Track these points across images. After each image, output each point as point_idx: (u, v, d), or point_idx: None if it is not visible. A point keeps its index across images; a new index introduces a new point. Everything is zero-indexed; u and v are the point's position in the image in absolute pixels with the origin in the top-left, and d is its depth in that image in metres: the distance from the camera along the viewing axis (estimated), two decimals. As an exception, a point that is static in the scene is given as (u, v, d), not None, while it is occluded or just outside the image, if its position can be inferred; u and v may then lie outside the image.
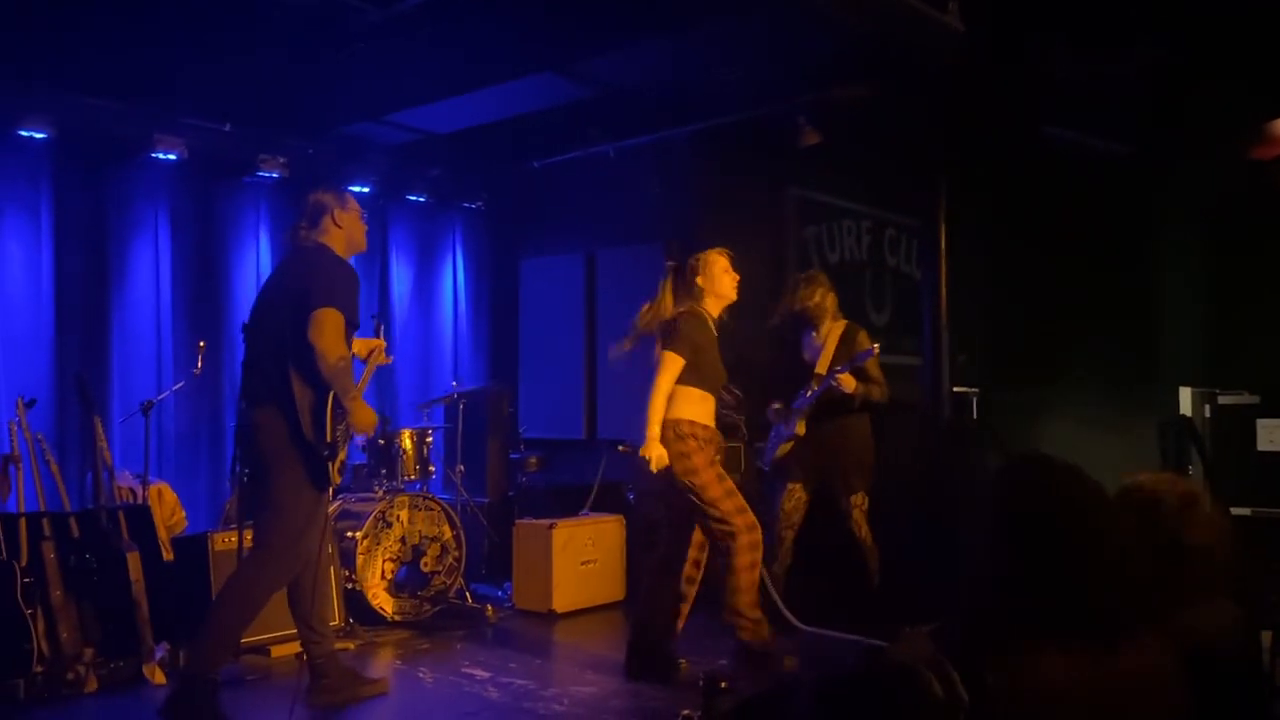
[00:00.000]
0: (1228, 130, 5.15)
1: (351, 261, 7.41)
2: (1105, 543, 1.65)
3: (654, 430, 4.34)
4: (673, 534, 4.57)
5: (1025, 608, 1.64)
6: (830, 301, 5.37)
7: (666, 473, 4.35)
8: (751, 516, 4.39)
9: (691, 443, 4.35)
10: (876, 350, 5.11)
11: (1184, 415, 4.87)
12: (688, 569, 4.56)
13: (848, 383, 5.08)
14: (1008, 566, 1.69)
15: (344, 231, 4.13)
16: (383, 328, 4.67)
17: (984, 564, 1.75)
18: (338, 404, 3.86)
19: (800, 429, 5.24)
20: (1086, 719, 1.56)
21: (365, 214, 4.28)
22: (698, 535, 4.53)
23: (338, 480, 4.00)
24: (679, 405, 4.40)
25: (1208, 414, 4.91)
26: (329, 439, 3.85)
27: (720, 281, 4.53)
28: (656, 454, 4.31)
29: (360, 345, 4.43)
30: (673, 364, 4.38)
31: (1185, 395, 4.96)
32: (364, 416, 3.96)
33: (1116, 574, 1.63)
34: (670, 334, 4.42)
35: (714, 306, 4.56)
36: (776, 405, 5.37)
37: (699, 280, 4.53)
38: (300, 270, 4.01)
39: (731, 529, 4.31)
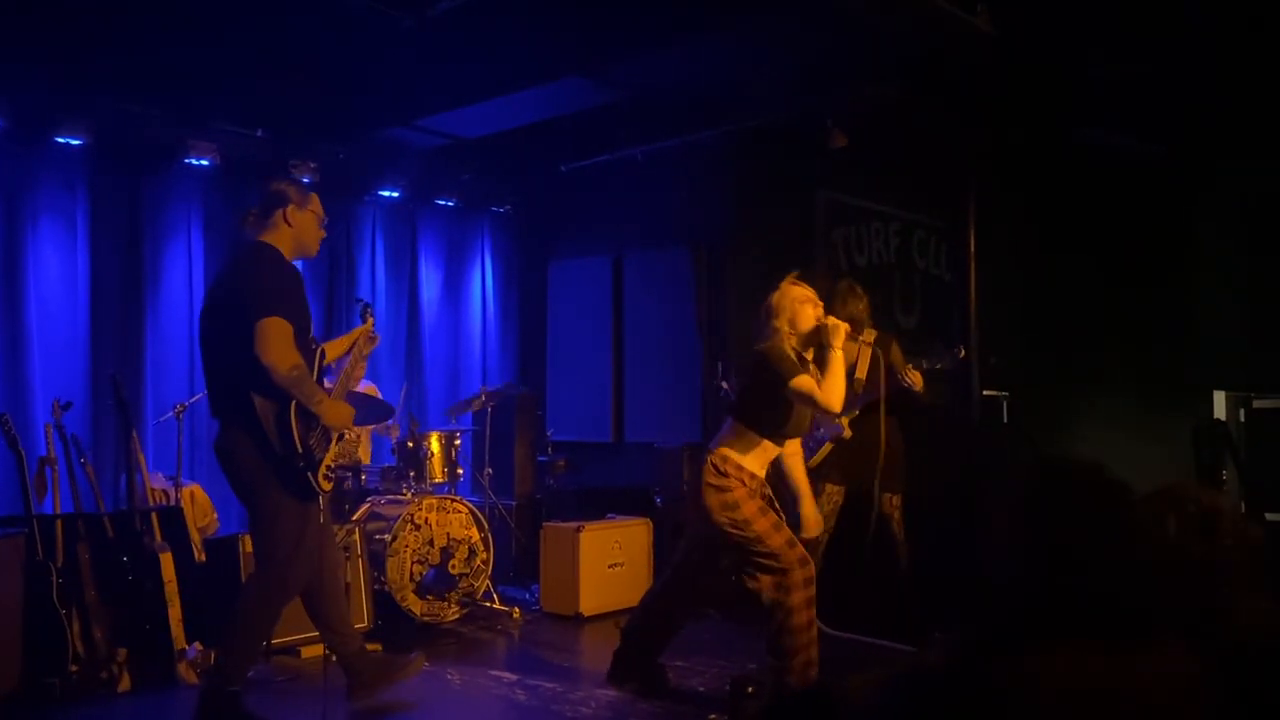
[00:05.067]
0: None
1: (380, 267, 7.57)
2: (1136, 542, 1.64)
3: None
4: (681, 571, 4.40)
5: (1055, 609, 1.63)
6: (867, 311, 5.38)
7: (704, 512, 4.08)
8: (803, 550, 4.07)
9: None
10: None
11: (1218, 419, 4.80)
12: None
13: (918, 381, 5.08)
14: (1036, 567, 1.68)
15: (294, 232, 3.85)
16: (370, 313, 4.29)
17: (1011, 565, 1.74)
18: (304, 411, 3.69)
19: (847, 431, 5.24)
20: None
21: (325, 219, 4.00)
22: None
23: (327, 487, 3.83)
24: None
25: (1242, 418, 4.84)
26: (301, 449, 3.71)
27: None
28: None
29: (342, 342, 4.27)
30: None
31: (1219, 399, 4.90)
32: (336, 414, 3.79)
33: (1148, 573, 1.62)
34: None
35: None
36: None
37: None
38: (238, 278, 3.77)
39: (783, 565, 3.98)
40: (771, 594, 3.96)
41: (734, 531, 3.99)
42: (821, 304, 4.16)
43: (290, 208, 3.84)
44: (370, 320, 4.26)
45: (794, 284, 4.14)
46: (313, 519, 3.85)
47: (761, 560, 3.97)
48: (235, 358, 3.62)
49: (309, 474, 3.72)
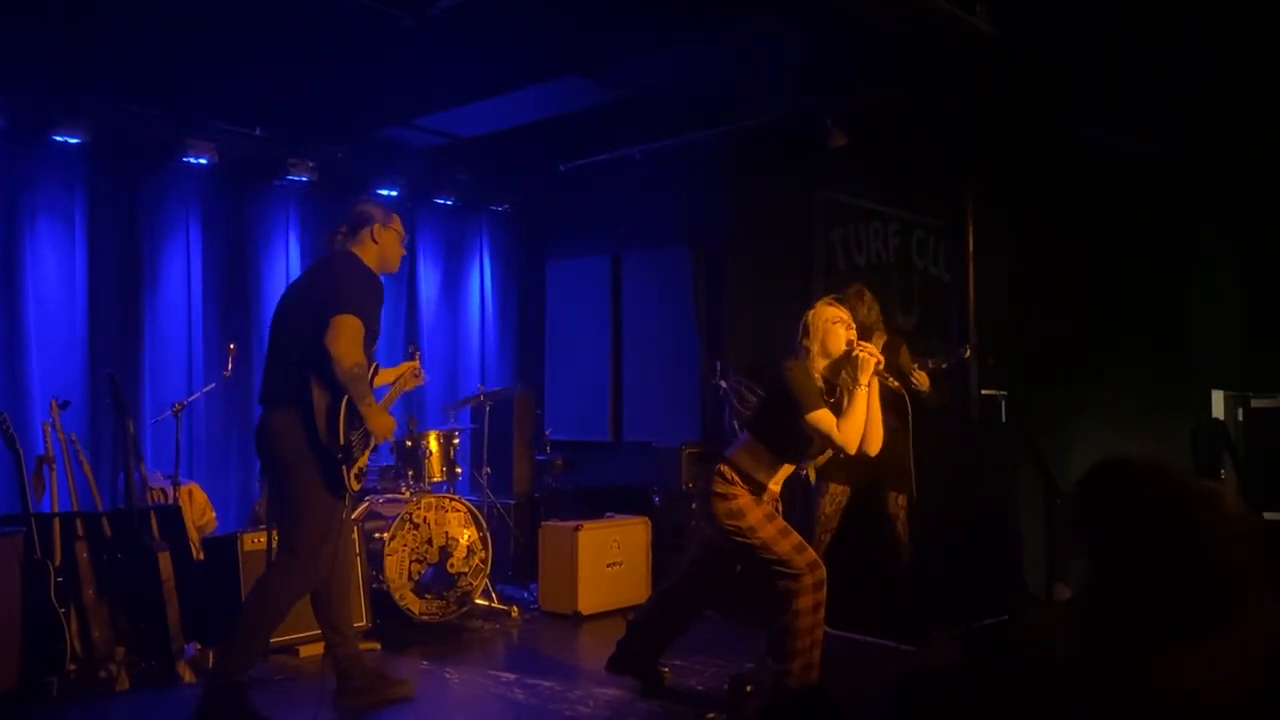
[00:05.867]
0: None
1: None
2: (1204, 537, 1.64)
3: None
4: (692, 571, 4.40)
5: (1133, 609, 1.63)
6: (879, 319, 5.39)
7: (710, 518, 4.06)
8: (813, 554, 4.05)
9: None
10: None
11: (1216, 419, 4.81)
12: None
13: (924, 381, 5.07)
14: (1112, 570, 1.67)
15: (379, 249, 4.11)
16: (419, 354, 4.65)
17: (1085, 570, 1.73)
18: (353, 410, 3.84)
19: None
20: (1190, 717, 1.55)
21: (405, 238, 4.28)
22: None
23: (356, 487, 3.97)
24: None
25: (1240, 417, 4.84)
26: (343, 443, 3.83)
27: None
28: None
29: (389, 373, 4.49)
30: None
31: (1217, 398, 4.90)
32: (381, 422, 3.94)
33: (1214, 569, 1.63)
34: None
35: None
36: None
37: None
38: (326, 276, 4.00)
39: (793, 570, 3.95)
40: (783, 594, 3.96)
41: (740, 540, 3.98)
42: (854, 327, 4.09)
43: (376, 226, 4.09)
44: (418, 360, 4.56)
45: (828, 304, 4.09)
46: (338, 512, 3.97)
47: (771, 566, 3.96)
48: (305, 346, 3.80)
49: (344, 468, 3.84)
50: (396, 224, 4.19)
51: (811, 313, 4.07)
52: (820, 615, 3.97)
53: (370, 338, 3.90)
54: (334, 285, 3.88)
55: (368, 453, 4.03)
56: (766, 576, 3.98)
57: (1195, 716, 1.54)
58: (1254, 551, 1.88)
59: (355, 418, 3.87)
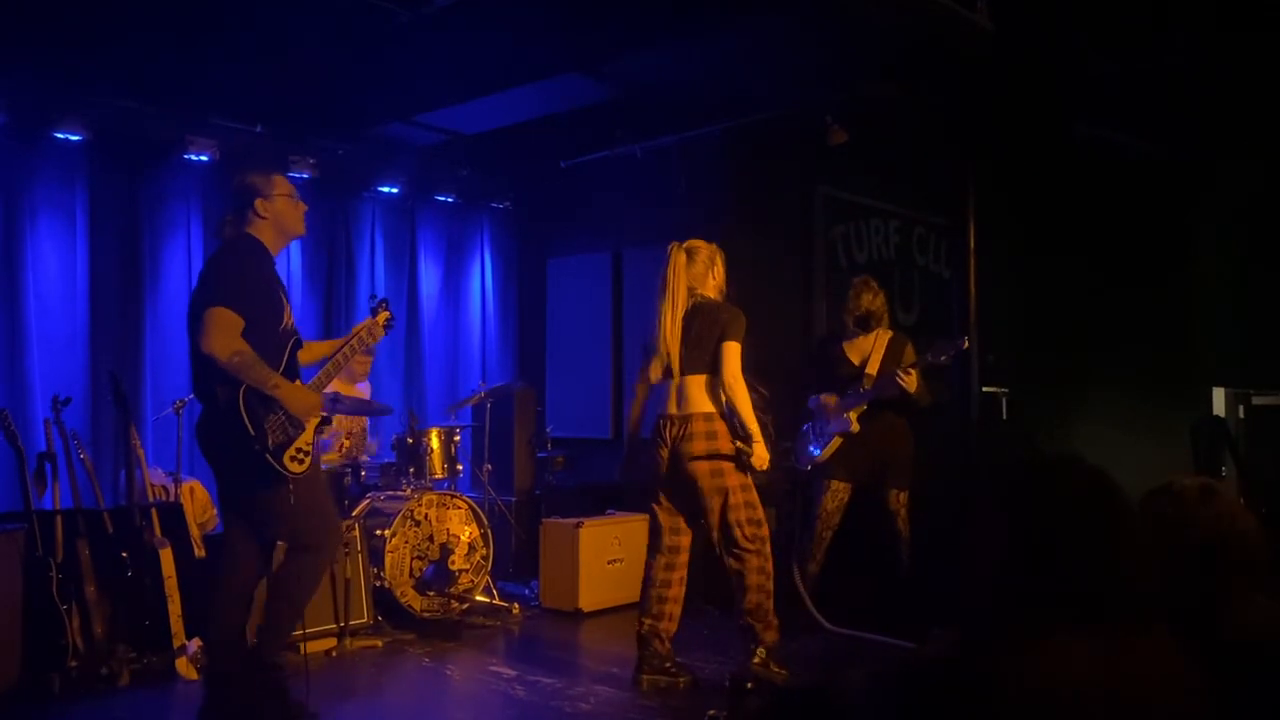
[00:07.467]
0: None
1: (380, 263, 7.55)
2: (1117, 539, 1.65)
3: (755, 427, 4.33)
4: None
5: (1033, 602, 1.64)
6: (884, 307, 5.42)
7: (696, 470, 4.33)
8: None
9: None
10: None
11: (1217, 416, 4.81)
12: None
13: (911, 382, 5.09)
14: (1018, 560, 1.68)
15: (269, 221, 3.88)
16: (385, 303, 4.32)
17: (994, 557, 1.75)
18: (257, 397, 3.68)
19: (855, 425, 5.24)
20: (1099, 714, 1.55)
21: (295, 192, 4.00)
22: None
23: (296, 469, 3.76)
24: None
25: (1241, 415, 4.85)
26: (253, 433, 3.66)
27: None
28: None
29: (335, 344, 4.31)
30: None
31: (1218, 396, 4.90)
32: (299, 400, 3.76)
33: (1128, 569, 1.63)
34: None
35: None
36: (829, 399, 5.35)
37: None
38: (206, 271, 3.87)
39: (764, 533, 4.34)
40: (753, 566, 4.30)
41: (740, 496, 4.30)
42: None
43: (259, 201, 3.87)
44: (382, 316, 4.28)
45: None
46: (282, 497, 3.77)
47: (745, 529, 4.27)
48: (196, 347, 3.68)
49: (266, 455, 3.69)
50: (280, 185, 3.93)
51: (708, 251, 4.62)
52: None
53: (260, 323, 3.71)
54: (206, 281, 3.76)
55: (308, 432, 3.83)
56: (731, 537, 4.27)
57: (1110, 709, 1.54)
58: (1224, 546, 1.88)
59: (265, 404, 3.69)
